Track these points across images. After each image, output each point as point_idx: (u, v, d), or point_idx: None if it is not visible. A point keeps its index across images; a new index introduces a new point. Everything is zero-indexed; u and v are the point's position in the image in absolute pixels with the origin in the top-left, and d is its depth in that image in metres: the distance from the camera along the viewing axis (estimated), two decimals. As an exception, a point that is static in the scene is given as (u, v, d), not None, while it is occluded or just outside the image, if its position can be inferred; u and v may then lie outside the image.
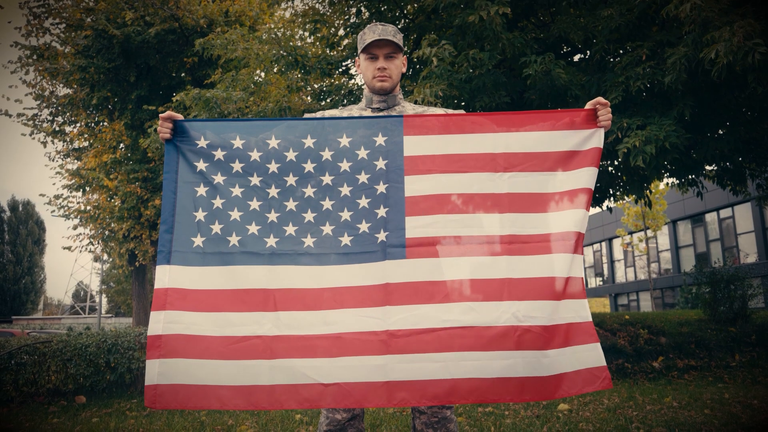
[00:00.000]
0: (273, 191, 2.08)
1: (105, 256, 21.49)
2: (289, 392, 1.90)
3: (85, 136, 14.12)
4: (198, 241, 2.03)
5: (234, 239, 2.04)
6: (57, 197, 14.65)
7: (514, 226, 2.00)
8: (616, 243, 30.12)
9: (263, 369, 1.92)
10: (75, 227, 14.74)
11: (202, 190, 2.08)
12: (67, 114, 14.14)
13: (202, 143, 2.09)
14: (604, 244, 31.67)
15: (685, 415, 4.84)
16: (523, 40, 6.27)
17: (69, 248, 15.35)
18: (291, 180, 2.07)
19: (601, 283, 32.90)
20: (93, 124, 14.25)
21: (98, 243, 15.39)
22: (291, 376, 1.91)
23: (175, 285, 1.98)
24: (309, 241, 2.04)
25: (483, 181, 2.04)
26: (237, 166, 2.08)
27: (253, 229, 2.05)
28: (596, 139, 2.08)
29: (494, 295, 1.95)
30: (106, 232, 14.45)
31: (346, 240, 2.02)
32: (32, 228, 42.40)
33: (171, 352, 1.92)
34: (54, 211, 14.72)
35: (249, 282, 2.00)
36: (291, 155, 2.08)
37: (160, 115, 2.12)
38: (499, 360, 1.90)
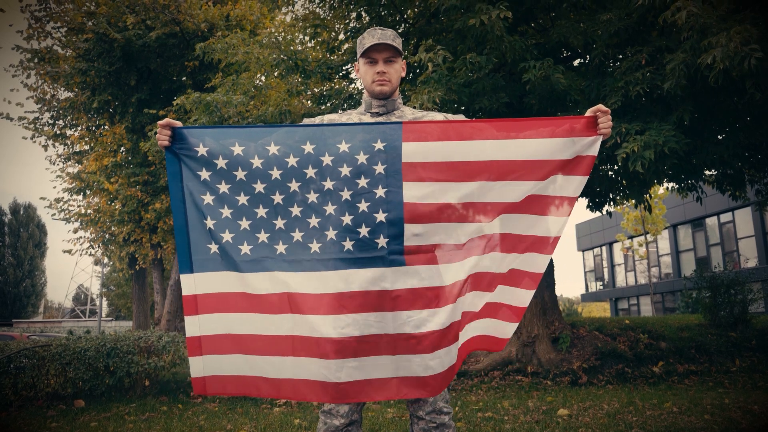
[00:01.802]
0: (278, 198, 2.11)
1: (105, 260, 21.49)
2: (309, 386, 2.05)
3: (86, 139, 14.15)
4: (214, 247, 2.11)
5: (246, 248, 2.10)
6: (58, 200, 14.67)
7: (500, 228, 2.16)
8: (617, 247, 30.09)
9: (288, 365, 2.07)
10: (75, 230, 14.77)
11: (208, 199, 2.11)
12: (68, 117, 14.19)
13: (202, 150, 2.10)
14: (604, 248, 31.65)
15: (685, 420, 4.83)
16: (523, 44, 6.28)
17: (69, 251, 15.39)
18: (294, 186, 2.11)
19: (601, 287, 32.85)
20: (94, 128, 14.29)
21: (99, 246, 15.42)
22: (309, 372, 2.04)
23: (203, 291, 2.11)
24: (315, 246, 2.09)
25: (478, 190, 2.10)
26: (240, 174, 2.11)
27: (263, 237, 2.11)
28: (594, 148, 2.11)
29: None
30: (107, 236, 14.48)
31: (348, 245, 2.07)
32: (33, 231, 42.46)
33: (211, 350, 2.11)
34: (55, 214, 14.74)
35: (265, 287, 2.09)
36: (292, 161, 2.10)
37: (159, 122, 2.11)
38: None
